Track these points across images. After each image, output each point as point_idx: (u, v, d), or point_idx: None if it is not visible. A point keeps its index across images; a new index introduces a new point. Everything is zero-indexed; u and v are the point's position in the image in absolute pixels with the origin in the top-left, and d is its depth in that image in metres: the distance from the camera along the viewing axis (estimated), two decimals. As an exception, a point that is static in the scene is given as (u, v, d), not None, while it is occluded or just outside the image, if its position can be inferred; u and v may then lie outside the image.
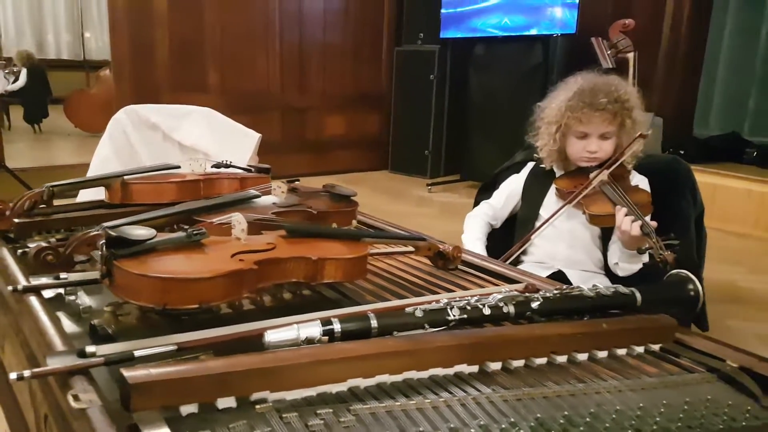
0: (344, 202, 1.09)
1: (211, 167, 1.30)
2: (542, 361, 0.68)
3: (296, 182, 1.22)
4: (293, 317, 0.68)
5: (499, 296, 0.74)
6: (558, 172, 1.47)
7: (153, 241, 0.66)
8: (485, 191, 1.68)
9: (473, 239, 1.49)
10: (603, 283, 1.24)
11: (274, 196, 1.03)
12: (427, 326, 0.69)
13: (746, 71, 4.33)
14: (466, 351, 0.64)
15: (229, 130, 1.88)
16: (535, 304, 0.75)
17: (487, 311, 0.72)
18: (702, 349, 0.73)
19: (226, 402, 0.53)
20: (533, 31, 4.01)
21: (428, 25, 4.63)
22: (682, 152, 3.93)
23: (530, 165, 1.54)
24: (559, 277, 1.36)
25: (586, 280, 1.37)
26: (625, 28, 2.57)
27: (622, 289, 0.81)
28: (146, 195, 1.10)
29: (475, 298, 0.73)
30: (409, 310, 0.70)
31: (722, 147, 4.09)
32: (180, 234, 0.68)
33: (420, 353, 0.62)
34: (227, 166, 1.29)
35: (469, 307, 0.72)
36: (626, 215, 1.23)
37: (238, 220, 0.73)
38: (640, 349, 0.73)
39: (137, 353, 0.58)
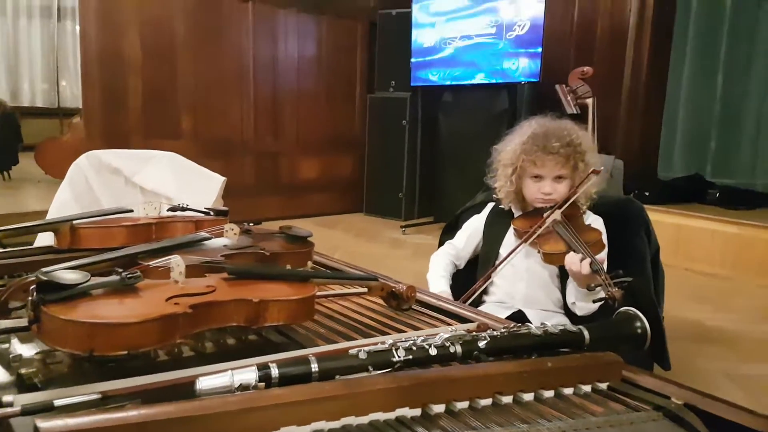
0: (299, 243, 1.08)
1: (167, 211, 1.28)
2: (487, 402, 0.66)
3: (251, 225, 1.21)
4: (231, 363, 0.66)
5: (446, 335, 0.73)
6: (516, 213, 1.49)
7: (84, 285, 0.64)
8: (448, 232, 1.69)
9: (437, 276, 1.49)
10: (562, 323, 1.25)
11: (226, 239, 1.02)
12: (371, 368, 0.68)
13: (706, 114, 4.50)
14: (408, 393, 0.62)
15: (193, 173, 1.87)
16: (482, 343, 0.74)
17: (433, 351, 0.71)
18: (648, 387, 0.72)
19: (147, 453, 0.50)
20: (499, 80, 4.14)
21: (399, 73, 4.77)
22: (646, 194, 4.03)
23: (491, 205, 1.57)
24: (518, 316, 1.36)
25: (545, 319, 1.36)
26: (583, 75, 2.68)
27: (570, 327, 0.81)
28: (95, 240, 1.08)
29: (421, 338, 0.72)
30: (352, 352, 0.68)
31: (686, 188, 4.21)
32: (114, 278, 0.67)
33: (359, 397, 0.61)
34: (184, 209, 1.27)
35: (414, 348, 0.70)
36: (576, 253, 1.24)
37: (176, 262, 0.71)
38: (587, 388, 0.72)
39: (57, 402, 0.55)
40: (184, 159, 1.92)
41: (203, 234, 0.99)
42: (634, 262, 1.44)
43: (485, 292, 1.47)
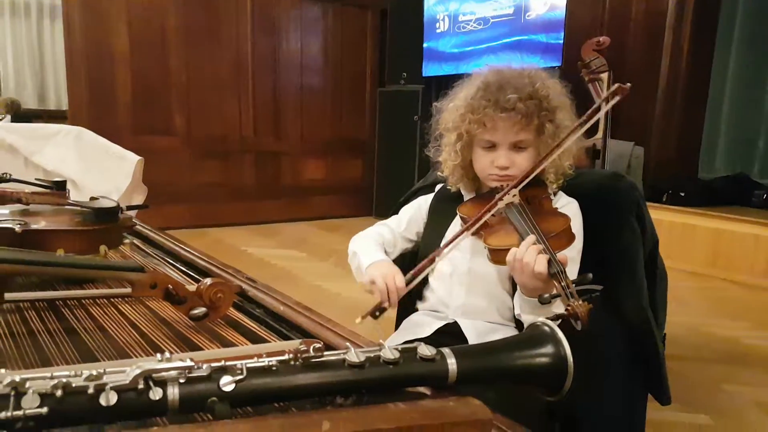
0: (103, 220, 0.76)
1: (-10, 181, 1.00)
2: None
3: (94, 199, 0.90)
4: None
5: (145, 367, 0.39)
6: (467, 196, 1.12)
7: None
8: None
9: (369, 248, 1.08)
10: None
11: (-16, 210, 0.72)
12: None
13: (754, 108, 4.01)
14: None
15: (102, 152, 1.59)
16: (227, 385, 0.40)
17: (113, 398, 0.38)
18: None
19: None
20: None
21: (411, 65, 4.46)
22: (681, 194, 3.57)
23: (439, 186, 1.20)
24: (452, 329, 1.00)
25: (487, 333, 1.00)
26: (599, 46, 2.27)
27: (424, 350, 0.45)
28: None
29: (89, 374, 0.38)
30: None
31: (728, 189, 3.72)
32: None
33: None
34: (6, 180, 0.99)
35: (65, 392, 0.37)
36: (528, 245, 0.86)
37: None
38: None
39: None
40: (95, 136, 1.64)
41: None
42: (622, 261, 1.04)
43: (419, 297, 1.11)
